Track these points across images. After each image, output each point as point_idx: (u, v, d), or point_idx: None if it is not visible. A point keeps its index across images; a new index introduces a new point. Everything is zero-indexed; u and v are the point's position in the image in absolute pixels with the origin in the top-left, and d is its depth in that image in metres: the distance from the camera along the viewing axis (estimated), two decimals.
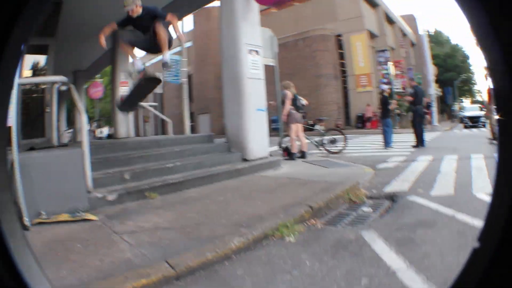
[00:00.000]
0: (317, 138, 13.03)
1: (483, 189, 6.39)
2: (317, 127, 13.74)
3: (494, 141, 14.12)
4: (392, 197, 5.96)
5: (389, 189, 6.62)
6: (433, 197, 6.00)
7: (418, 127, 14.38)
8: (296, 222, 4.50)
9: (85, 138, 5.66)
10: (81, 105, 6.30)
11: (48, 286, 1.03)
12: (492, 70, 0.79)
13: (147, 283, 3.01)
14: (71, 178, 5.11)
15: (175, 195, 6.02)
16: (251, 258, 3.69)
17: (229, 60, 8.74)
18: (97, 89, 24.34)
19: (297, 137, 10.94)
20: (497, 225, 0.77)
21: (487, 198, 5.73)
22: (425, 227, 4.67)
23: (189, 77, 22.07)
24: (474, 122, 30.20)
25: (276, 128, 12.80)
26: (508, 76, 0.74)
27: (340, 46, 33.34)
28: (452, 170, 8.69)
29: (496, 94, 0.79)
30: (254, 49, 8.96)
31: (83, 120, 5.83)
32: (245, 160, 8.41)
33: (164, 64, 6.80)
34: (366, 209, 5.35)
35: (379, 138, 15.42)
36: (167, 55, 6.50)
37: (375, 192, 6.41)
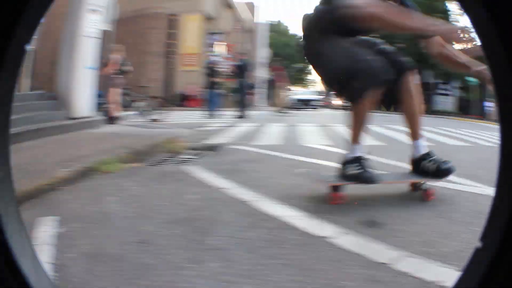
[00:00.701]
0: (138, 106, 13.17)
1: (310, 142, 7.35)
2: (137, 104, 13.57)
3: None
4: (213, 148, 6.36)
5: (210, 142, 7.08)
6: (258, 145, 6.64)
7: (242, 98, 15.17)
8: (120, 161, 4.82)
9: None
10: None
11: (49, 284, 0.99)
12: (493, 69, 0.78)
13: None
14: None
15: None
16: (79, 187, 3.91)
17: (70, 17, 8.61)
18: None
19: (116, 101, 10.99)
20: (499, 224, 0.77)
21: (315, 147, 6.73)
22: (251, 162, 5.18)
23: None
24: (306, 104, 32.89)
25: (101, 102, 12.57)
26: (509, 77, 0.74)
27: (173, 25, 33.27)
28: (279, 131, 9.69)
29: (498, 94, 0.78)
30: (94, 9, 8.88)
31: None
32: (72, 118, 8.33)
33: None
34: (187, 156, 5.66)
35: (203, 113, 15.85)
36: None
37: (196, 144, 6.70)
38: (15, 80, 0.91)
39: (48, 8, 0.91)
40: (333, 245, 2.40)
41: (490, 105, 23.65)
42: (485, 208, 2.61)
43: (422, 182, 3.66)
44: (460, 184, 4.12)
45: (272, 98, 15.65)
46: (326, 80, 3.86)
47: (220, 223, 2.82)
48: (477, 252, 0.80)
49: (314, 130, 10.60)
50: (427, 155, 3.63)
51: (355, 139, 3.49)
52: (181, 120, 13.72)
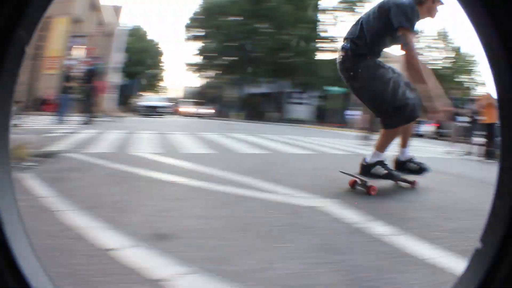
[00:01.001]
0: None
1: (141, 150, 7.78)
2: None
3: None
4: (50, 155, 6.60)
5: (49, 149, 7.28)
6: (90, 153, 6.92)
7: (89, 103, 15.33)
8: None
9: None
10: None
11: (49, 284, 0.99)
12: (495, 73, 0.80)
13: None
14: None
15: None
16: None
17: None
18: None
19: None
20: (499, 225, 0.78)
21: (143, 156, 7.14)
22: (77, 171, 5.36)
23: None
24: (153, 111, 34.53)
25: None
26: (509, 81, 0.75)
27: (44, 28, 32.10)
28: (116, 138, 9.99)
29: (499, 97, 0.79)
30: None
31: None
32: None
33: None
34: (28, 163, 5.75)
35: (54, 118, 15.62)
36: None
37: (37, 151, 6.74)
38: (15, 81, 0.93)
39: (48, 9, 0.91)
40: (116, 258, 2.33)
41: (353, 114, 24.97)
42: (300, 222, 3.69)
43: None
44: (283, 194, 4.36)
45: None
46: (371, 103, 4.66)
47: (31, 231, 2.71)
48: (477, 253, 0.81)
49: (151, 138, 10.97)
50: (411, 159, 4.94)
51: (382, 149, 4.53)
52: (36, 125, 13.57)
